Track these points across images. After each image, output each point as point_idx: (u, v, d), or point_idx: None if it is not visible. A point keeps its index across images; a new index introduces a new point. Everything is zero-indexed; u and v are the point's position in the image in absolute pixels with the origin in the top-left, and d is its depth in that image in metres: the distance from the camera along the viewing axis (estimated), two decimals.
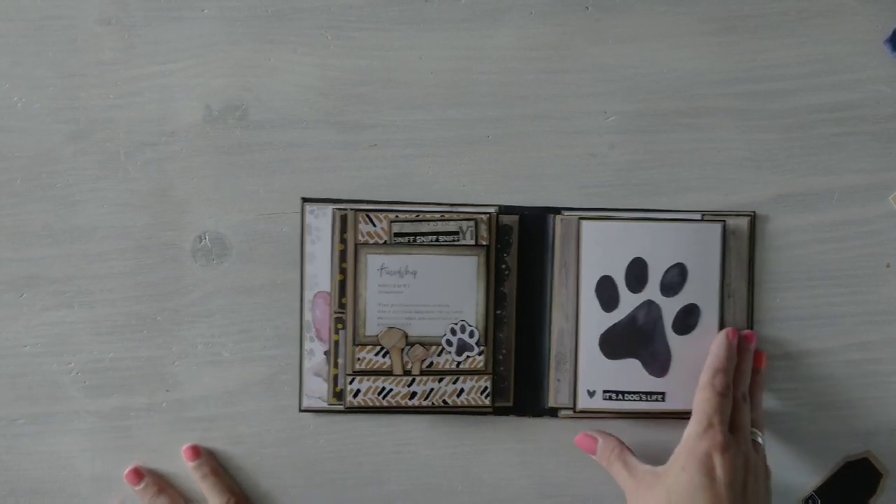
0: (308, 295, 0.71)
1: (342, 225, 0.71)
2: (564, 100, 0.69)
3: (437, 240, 0.72)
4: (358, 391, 0.71)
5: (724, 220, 0.70)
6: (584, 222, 0.71)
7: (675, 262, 0.69)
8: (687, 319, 0.69)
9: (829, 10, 0.68)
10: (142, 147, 0.70)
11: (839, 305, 0.70)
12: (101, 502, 0.72)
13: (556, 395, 0.72)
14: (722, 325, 0.70)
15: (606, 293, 0.70)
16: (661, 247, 0.69)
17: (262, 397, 0.70)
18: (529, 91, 0.70)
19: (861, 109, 0.69)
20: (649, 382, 0.70)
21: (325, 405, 0.71)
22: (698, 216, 0.71)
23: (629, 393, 0.70)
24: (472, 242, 0.71)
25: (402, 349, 0.71)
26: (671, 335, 0.69)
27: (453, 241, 0.72)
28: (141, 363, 0.70)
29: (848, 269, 0.70)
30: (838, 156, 0.69)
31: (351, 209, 0.71)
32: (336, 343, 0.72)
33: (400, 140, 0.70)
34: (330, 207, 0.72)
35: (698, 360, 0.68)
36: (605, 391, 0.70)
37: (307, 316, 0.71)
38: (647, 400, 0.70)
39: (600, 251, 0.70)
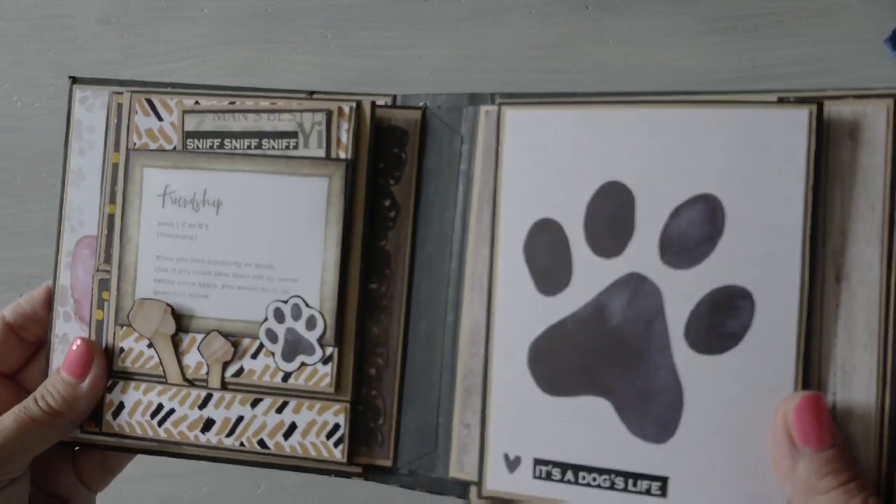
0: (68, 241, 0.47)
1: (119, 119, 0.49)
2: None
3: (259, 145, 0.49)
4: (121, 406, 0.45)
5: (821, 103, 0.36)
6: (508, 111, 0.40)
7: (698, 192, 0.37)
8: (721, 319, 0.37)
9: (828, 9, 0.76)
10: None
11: None
12: (101, 502, 0.74)
13: (464, 455, 0.41)
14: (808, 339, 0.36)
15: (546, 256, 0.39)
16: (666, 161, 0.38)
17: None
18: (529, 90, 0.69)
19: None
20: (633, 451, 0.38)
21: (77, 433, 0.46)
22: (772, 98, 0.37)
23: (588, 470, 0.38)
24: (322, 152, 0.43)
25: (175, 338, 0.45)
26: (684, 352, 0.37)
27: (287, 148, 0.50)
28: None
29: None
30: None
31: (129, 91, 0.49)
32: (100, 324, 0.47)
33: None
34: (108, 91, 0.52)
35: (754, 416, 0.36)
36: (537, 460, 0.39)
37: (63, 278, 0.47)
38: (624, 489, 0.37)
39: (538, 170, 0.40)
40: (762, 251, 0.36)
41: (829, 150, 0.37)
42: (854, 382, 0.36)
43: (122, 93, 0.46)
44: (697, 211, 0.37)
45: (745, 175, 0.37)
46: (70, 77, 0.48)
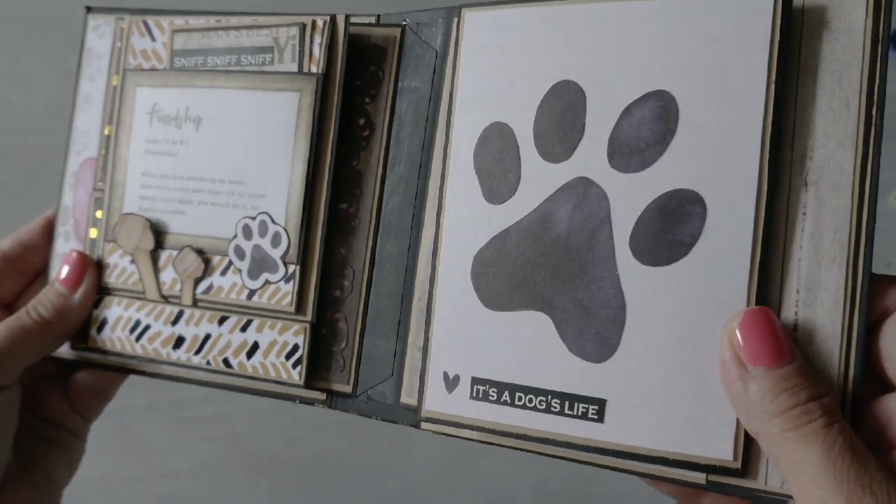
0: (73, 163, 0.49)
1: (121, 43, 0.48)
2: None
3: (238, 61, 0.48)
4: (105, 321, 0.46)
5: None
6: (467, 13, 0.38)
7: (651, 89, 0.34)
8: (669, 226, 0.33)
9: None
10: None
11: None
12: (101, 502, 0.77)
13: (414, 380, 0.39)
14: (768, 251, 0.32)
15: (495, 162, 0.37)
16: (620, 56, 0.34)
17: (262, 397, 0.69)
18: None
19: None
20: (571, 371, 0.34)
21: (67, 352, 0.47)
22: None
23: (525, 391, 0.35)
24: (295, 67, 0.42)
25: (154, 253, 0.45)
26: (628, 263, 0.34)
27: (263, 63, 0.48)
28: None
29: None
30: None
31: (131, 17, 0.51)
32: (94, 242, 0.47)
33: None
34: (115, 17, 0.53)
35: (702, 334, 0.32)
36: (475, 379, 0.36)
37: (66, 199, 0.49)
38: (560, 412, 0.34)
39: (494, 72, 0.37)
40: (718, 153, 0.33)
41: (802, 42, 0.33)
42: (818, 301, 0.32)
43: (124, 18, 0.48)
44: (649, 109, 0.34)
45: (703, 69, 0.33)
46: (85, 7, 0.50)
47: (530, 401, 0.35)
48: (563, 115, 0.35)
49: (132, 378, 0.51)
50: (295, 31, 0.43)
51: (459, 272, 0.37)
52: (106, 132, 0.47)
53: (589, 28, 0.35)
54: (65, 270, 0.46)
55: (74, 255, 0.47)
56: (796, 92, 0.33)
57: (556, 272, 0.35)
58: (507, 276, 0.36)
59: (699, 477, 0.33)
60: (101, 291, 0.46)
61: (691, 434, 0.32)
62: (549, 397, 0.35)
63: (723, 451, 0.32)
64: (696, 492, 0.36)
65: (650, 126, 0.34)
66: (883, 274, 0.32)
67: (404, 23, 0.43)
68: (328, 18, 0.42)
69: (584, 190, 0.35)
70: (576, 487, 0.74)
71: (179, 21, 0.46)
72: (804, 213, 0.32)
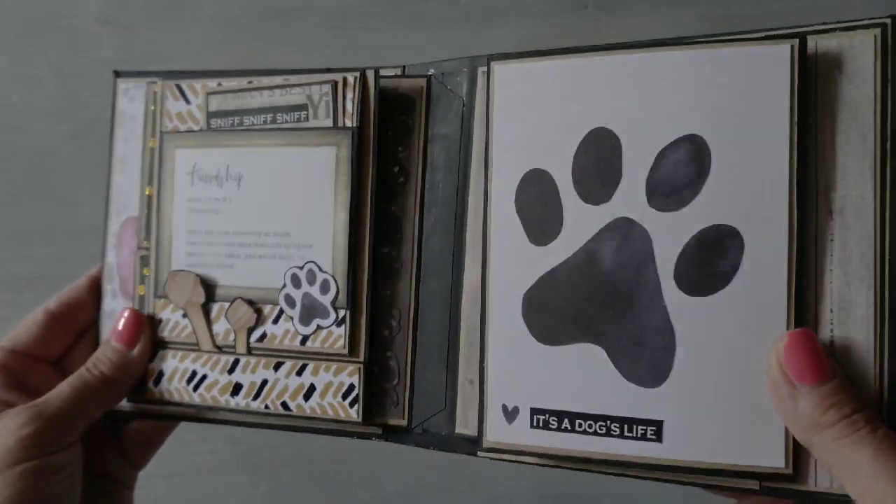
0: (114, 223, 0.51)
1: (155, 106, 0.53)
2: None
3: (273, 119, 0.51)
4: (161, 374, 0.48)
5: (804, 37, 0.36)
6: (496, 66, 0.41)
7: (683, 133, 0.37)
8: (710, 259, 0.36)
9: (829, 9, 0.72)
10: None
11: None
12: None
13: (468, 411, 0.42)
14: (801, 276, 0.35)
15: (537, 206, 0.40)
16: (651, 104, 0.38)
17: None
18: None
19: None
20: (627, 397, 0.37)
21: (124, 404, 0.49)
22: (758, 36, 0.36)
23: (584, 418, 0.38)
24: (329, 122, 0.45)
25: (206, 306, 0.47)
26: (674, 294, 0.37)
27: (298, 120, 0.51)
28: None
29: None
30: None
31: (163, 81, 0.53)
32: (142, 298, 0.52)
33: None
34: (146, 81, 0.55)
35: (748, 356, 0.36)
36: (534, 410, 0.39)
37: (110, 257, 0.51)
38: (620, 435, 0.37)
39: (527, 121, 0.40)
40: (749, 189, 0.36)
41: (818, 85, 0.36)
42: (851, 318, 0.35)
43: (156, 82, 0.49)
44: (682, 152, 0.37)
45: (730, 113, 0.36)
46: (113, 71, 0.52)
47: (590, 426, 0.38)
48: (600, 159, 0.38)
49: None
50: (327, 88, 0.45)
51: (509, 310, 0.40)
52: (147, 193, 0.49)
53: (618, 78, 0.38)
54: (119, 328, 0.48)
55: (127, 312, 0.48)
56: (815, 130, 0.36)
57: (604, 306, 0.38)
58: (558, 313, 0.39)
59: (753, 483, 0.36)
60: (156, 345, 0.48)
61: (745, 446, 0.36)
62: (609, 422, 0.37)
63: (775, 459, 0.35)
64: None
65: (685, 168, 0.37)
66: None
67: (430, 73, 0.45)
68: (358, 74, 0.45)
69: (626, 229, 0.38)
70: (575, 488, 0.74)
71: (212, 84, 0.48)
72: (831, 240, 0.35)
